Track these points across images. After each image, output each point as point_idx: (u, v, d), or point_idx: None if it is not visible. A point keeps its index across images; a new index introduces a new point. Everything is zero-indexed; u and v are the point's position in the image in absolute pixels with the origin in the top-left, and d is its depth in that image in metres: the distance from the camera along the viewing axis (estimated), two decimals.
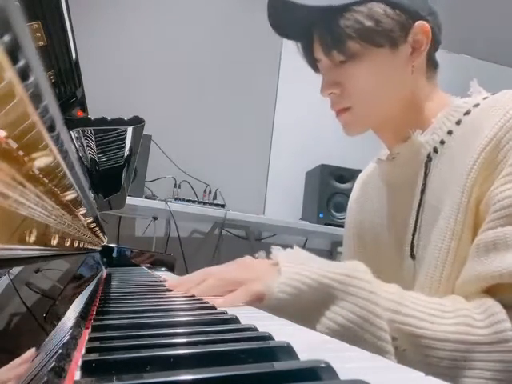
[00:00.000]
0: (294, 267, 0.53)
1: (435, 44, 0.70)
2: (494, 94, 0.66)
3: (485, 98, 0.66)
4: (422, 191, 0.68)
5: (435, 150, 0.68)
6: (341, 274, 0.51)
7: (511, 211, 0.53)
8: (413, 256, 0.68)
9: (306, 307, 0.51)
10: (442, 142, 0.67)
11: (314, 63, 0.75)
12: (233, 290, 0.53)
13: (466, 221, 0.59)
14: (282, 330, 0.35)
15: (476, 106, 0.66)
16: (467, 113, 0.66)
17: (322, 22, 0.68)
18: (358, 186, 0.90)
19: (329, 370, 0.20)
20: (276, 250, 0.58)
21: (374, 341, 0.47)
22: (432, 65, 0.72)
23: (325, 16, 0.66)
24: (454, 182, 0.61)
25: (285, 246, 0.59)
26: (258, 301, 0.52)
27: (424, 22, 0.67)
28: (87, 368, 0.22)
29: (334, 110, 0.72)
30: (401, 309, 0.50)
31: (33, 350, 0.27)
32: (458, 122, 0.66)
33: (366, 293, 0.50)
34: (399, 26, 0.66)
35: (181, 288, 0.58)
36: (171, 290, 0.59)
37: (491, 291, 0.54)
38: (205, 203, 2.16)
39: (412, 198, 0.70)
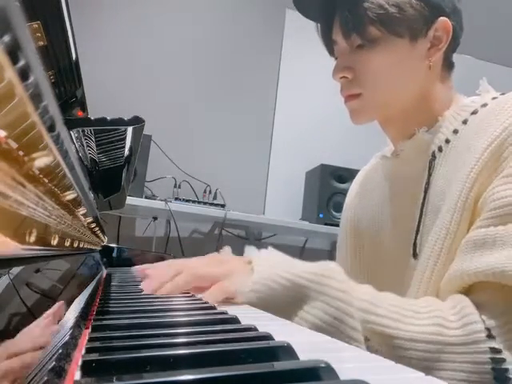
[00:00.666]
0: (266, 266, 0.53)
1: (454, 44, 0.69)
2: (503, 93, 0.65)
3: (494, 98, 0.65)
4: (426, 190, 0.67)
5: (440, 149, 0.67)
6: (314, 274, 0.51)
7: (505, 211, 0.53)
8: (415, 255, 0.67)
9: (279, 306, 0.50)
10: (448, 141, 0.66)
11: (331, 46, 0.74)
12: (205, 287, 0.52)
13: (462, 220, 0.58)
14: (281, 330, 0.35)
15: (484, 105, 0.65)
16: (474, 112, 0.66)
17: (345, 3, 0.67)
18: (357, 181, 0.89)
19: (329, 369, 0.20)
20: (249, 250, 0.58)
21: (346, 340, 0.47)
22: (447, 65, 0.71)
23: None
24: (456, 181, 0.61)
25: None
26: (232, 298, 0.51)
27: (447, 19, 0.66)
28: (87, 368, 0.22)
29: (344, 95, 0.71)
30: (374, 309, 0.50)
31: (61, 303, 0.27)
32: (465, 122, 0.66)
33: (339, 292, 0.50)
34: (422, 18, 0.65)
35: (153, 285, 0.56)
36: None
37: (473, 289, 0.54)
38: (205, 203, 2.16)
39: (415, 195, 0.69)
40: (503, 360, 0.47)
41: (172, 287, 0.54)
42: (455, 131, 0.66)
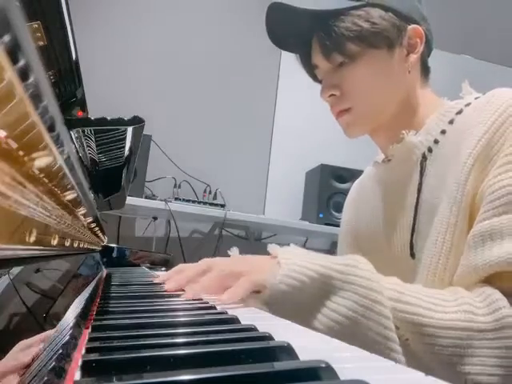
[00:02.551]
0: (293, 259, 0.53)
1: (428, 49, 0.73)
2: (484, 93, 0.67)
3: (476, 98, 0.68)
4: (419, 190, 0.68)
5: (430, 150, 0.69)
6: (341, 265, 0.51)
7: (506, 201, 0.54)
8: (412, 255, 0.68)
9: (308, 299, 0.50)
10: (436, 142, 0.69)
11: (312, 72, 0.77)
12: (231, 285, 0.52)
13: (461, 212, 0.60)
14: (282, 330, 0.35)
15: (468, 105, 0.68)
16: (459, 112, 0.68)
17: (321, 26, 0.69)
18: (354, 189, 0.91)
19: (329, 369, 0.20)
20: (273, 246, 0.58)
21: (379, 329, 0.47)
22: (425, 69, 0.74)
23: (323, 20, 0.69)
24: (450, 178, 0.62)
25: (285, 246, 0.58)
26: (260, 290, 0.51)
27: (417, 26, 0.70)
28: (87, 368, 0.21)
29: (334, 112, 0.74)
30: (403, 298, 0.51)
31: (50, 331, 0.27)
32: (451, 122, 0.68)
33: (368, 281, 0.50)
34: (395, 28, 0.68)
35: (180, 282, 0.56)
36: (176, 291, 0.58)
37: (490, 280, 0.55)
38: (205, 203, 2.16)
39: (408, 197, 0.71)
40: None
41: (201, 287, 0.53)
42: (443, 132, 0.68)
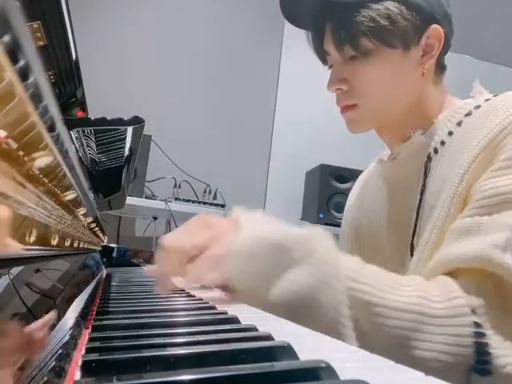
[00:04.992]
0: (254, 227, 0.51)
1: (446, 48, 0.70)
2: (495, 95, 0.66)
3: (487, 100, 0.66)
4: (422, 191, 0.68)
5: (435, 151, 0.68)
6: (303, 237, 0.51)
7: (491, 202, 0.54)
8: (413, 256, 0.68)
9: (265, 270, 0.49)
10: (443, 143, 0.67)
11: (322, 54, 0.74)
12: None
13: (449, 216, 0.60)
14: (282, 330, 0.35)
15: (477, 107, 0.66)
16: (468, 114, 0.66)
17: (336, 16, 0.67)
18: (357, 186, 0.90)
19: (329, 370, 0.20)
20: (237, 209, 0.56)
21: (333, 304, 0.47)
22: (440, 68, 0.72)
23: (340, 10, 0.66)
24: (451, 182, 0.62)
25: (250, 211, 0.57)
26: (221, 264, 0.49)
27: (438, 27, 0.67)
28: (87, 368, 0.21)
29: (340, 106, 0.72)
30: (359, 277, 0.50)
31: (52, 313, 0.27)
32: (459, 123, 0.67)
33: (326, 256, 0.50)
34: (414, 28, 0.66)
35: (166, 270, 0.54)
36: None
37: (454, 275, 0.54)
38: (205, 203, 2.16)
39: (412, 198, 0.70)
40: (484, 335, 0.48)
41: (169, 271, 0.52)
42: (450, 133, 0.67)
